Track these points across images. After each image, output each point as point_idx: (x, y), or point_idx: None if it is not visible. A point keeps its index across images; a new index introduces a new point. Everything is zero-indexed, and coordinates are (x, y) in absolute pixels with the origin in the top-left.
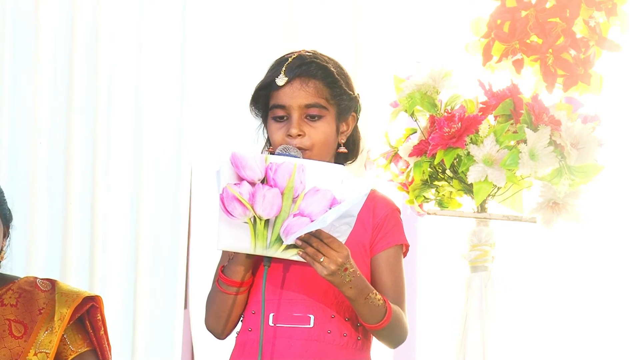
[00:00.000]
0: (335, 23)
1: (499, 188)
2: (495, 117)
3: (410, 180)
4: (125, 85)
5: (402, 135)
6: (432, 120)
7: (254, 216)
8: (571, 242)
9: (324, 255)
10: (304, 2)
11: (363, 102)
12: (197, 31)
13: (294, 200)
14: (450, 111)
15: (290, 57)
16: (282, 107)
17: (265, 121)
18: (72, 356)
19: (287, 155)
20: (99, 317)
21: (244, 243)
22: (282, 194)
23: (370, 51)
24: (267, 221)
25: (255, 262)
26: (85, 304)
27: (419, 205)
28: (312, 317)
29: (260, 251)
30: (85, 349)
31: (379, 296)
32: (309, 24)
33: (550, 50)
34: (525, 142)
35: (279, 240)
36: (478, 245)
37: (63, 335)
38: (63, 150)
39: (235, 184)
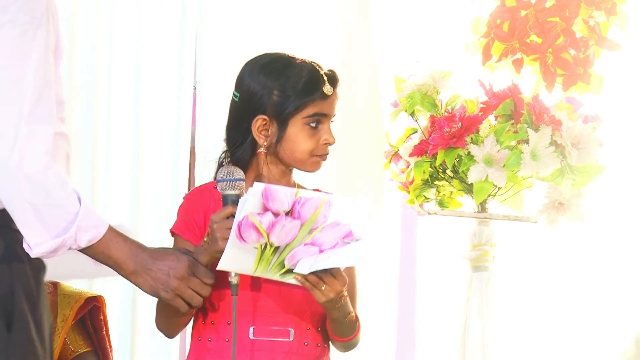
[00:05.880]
0: (335, 23)
1: (499, 188)
2: (496, 117)
3: (410, 180)
4: (125, 84)
5: (402, 134)
6: (433, 120)
7: (266, 243)
8: (571, 241)
9: (325, 284)
10: (303, 1)
11: (362, 102)
12: (195, 27)
13: (311, 231)
14: (450, 111)
15: (316, 65)
16: (326, 115)
17: (275, 123)
18: (72, 356)
19: (230, 181)
20: (101, 317)
21: (246, 265)
22: (302, 225)
23: (371, 51)
24: (276, 248)
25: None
26: (87, 305)
27: (420, 205)
28: (292, 330)
29: (259, 274)
30: (86, 350)
31: (353, 312)
32: (308, 24)
33: (550, 49)
34: (526, 142)
35: (281, 264)
36: (479, 245)
37: None
38: None
39: (258, 213)
